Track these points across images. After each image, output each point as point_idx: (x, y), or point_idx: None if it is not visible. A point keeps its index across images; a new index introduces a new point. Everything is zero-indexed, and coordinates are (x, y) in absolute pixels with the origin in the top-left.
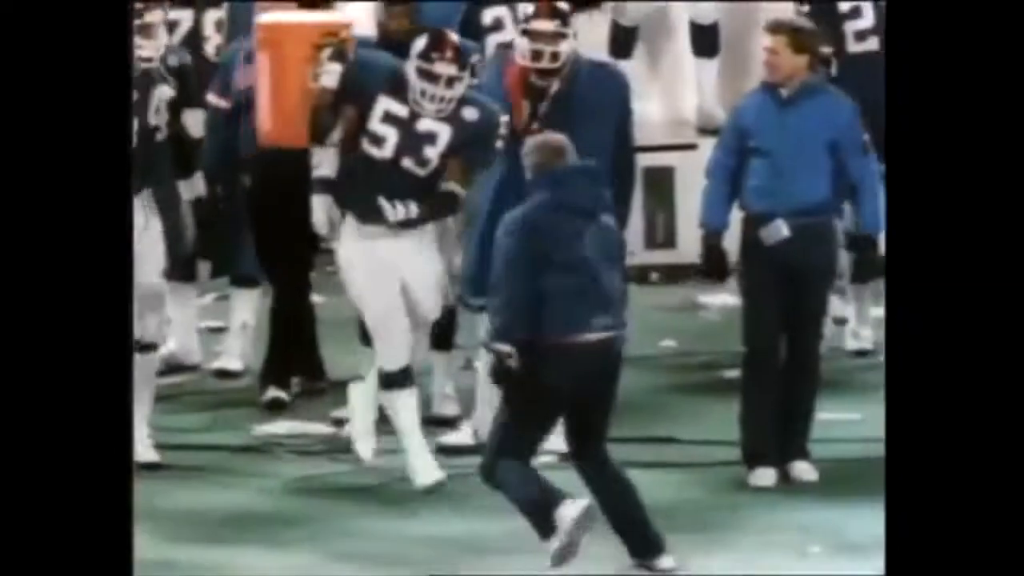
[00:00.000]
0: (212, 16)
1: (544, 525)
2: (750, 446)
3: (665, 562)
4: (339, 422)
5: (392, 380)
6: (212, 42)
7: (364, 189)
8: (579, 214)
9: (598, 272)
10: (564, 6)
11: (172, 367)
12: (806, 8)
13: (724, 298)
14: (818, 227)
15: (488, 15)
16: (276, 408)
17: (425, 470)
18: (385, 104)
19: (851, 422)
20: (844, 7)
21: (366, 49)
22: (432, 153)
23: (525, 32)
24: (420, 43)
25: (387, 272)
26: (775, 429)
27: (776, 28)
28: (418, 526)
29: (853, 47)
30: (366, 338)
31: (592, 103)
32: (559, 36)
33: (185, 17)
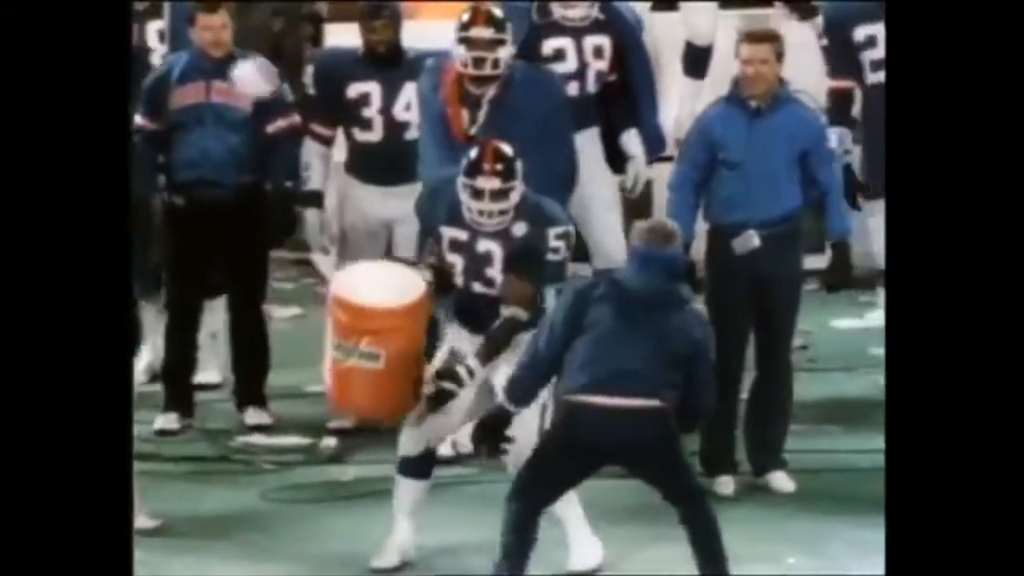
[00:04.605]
0: (154, 27)
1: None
2: (709, 455)
3: None
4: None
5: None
6: (157, 54)
7: (460, 317)
8: (635, 302)
9: (631, 352)
10: (499, 13)
11: (150, 377)
12: (824, 41)
13: None
14: (786, 234)
15: (548, 46)
16: (260, 431)
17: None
18: (449, 233)
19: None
20: (859, 35)
21: (429, 182)
22: (493, 273)
23: (463, 40)
24: (468, 156)
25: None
26: (746, 438)
27: (763, 37)
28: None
29: (871, 78)
30: None
31: (528, 107)
32: (497, 43)
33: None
